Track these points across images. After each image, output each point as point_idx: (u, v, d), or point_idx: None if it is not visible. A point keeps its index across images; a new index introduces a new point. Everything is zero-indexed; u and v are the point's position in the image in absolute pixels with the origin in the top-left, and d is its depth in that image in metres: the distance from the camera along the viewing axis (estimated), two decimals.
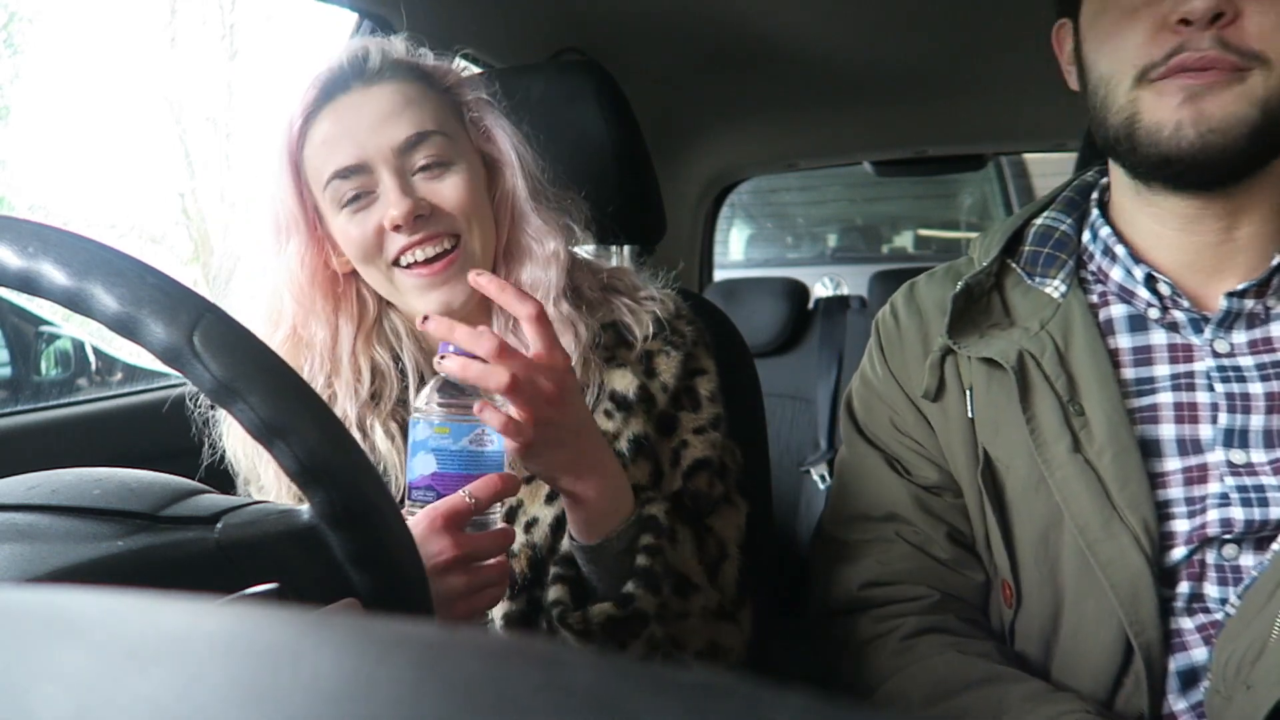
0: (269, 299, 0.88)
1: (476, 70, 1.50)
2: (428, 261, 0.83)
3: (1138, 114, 0.78)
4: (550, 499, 0.86)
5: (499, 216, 0.90)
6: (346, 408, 0.87)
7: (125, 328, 0.46)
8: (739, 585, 0.89)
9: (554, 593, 0.79)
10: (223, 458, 0.92)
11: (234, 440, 0.90)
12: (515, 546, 0.85)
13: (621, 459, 0.84)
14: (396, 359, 0.90)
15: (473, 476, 0.72)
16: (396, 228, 0.82)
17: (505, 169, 0.90)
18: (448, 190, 0.84)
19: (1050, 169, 4.38)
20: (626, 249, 1.79)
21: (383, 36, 0.90)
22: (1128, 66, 0.78)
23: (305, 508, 0.52)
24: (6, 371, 2.06)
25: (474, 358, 0.69)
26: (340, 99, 0.84)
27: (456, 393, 0.73)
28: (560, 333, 0.85)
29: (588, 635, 0.77)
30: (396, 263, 0.84)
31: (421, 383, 0.89)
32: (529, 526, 0.86)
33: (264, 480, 0.89)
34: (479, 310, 0.89)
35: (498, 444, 0.73)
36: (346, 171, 0.83)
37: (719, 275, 2.90)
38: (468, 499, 0.70)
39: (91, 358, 2.23)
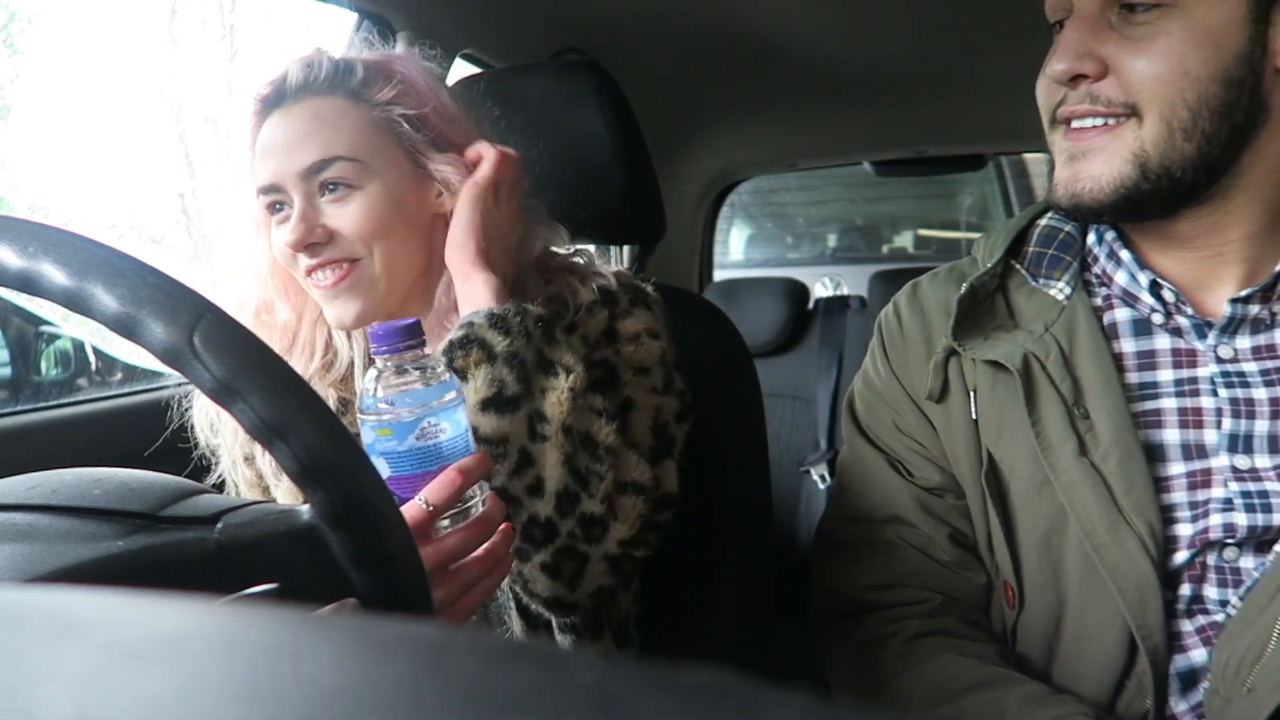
0: (236, 283, 0.94)
1: (476, 70, 1.50)
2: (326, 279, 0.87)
3: (1053, 156, 0.84)
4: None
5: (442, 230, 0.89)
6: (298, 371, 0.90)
7: (125, 328, 0.46)
8: (638, 529, 0.84)
9: None
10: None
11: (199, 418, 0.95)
12: None
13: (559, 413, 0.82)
14: (352, 338, 0.95)
15: (432, 473, 0.68)
16: (297, 250, 0.85)
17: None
18: (348, 216, 0.85)
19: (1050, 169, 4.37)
20: (626, 249, 1.79)
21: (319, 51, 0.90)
22: (1045, 111, 0.84)
23: (305, 508, 0.52)
24: (6, 371, 2.06)
25: (404, 345, 0.69)
26: (274, 114, 0.86)
27: (392, 388, 0.69)
28: None
29: None
30: (308, 277, 0.87)
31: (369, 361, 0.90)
32: None
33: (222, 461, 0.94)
34: (418, 300, 0.91)
35: (451, 430, 0.69)
36: (264, 190, 0.86)
37: (719, 275, 2.90)
38: (424, 505, 0.66)
39: (91, 358, 2.23)
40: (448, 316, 0.89)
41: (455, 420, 0.70)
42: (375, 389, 0.69)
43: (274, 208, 0.87)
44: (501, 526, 0.73)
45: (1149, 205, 0.79)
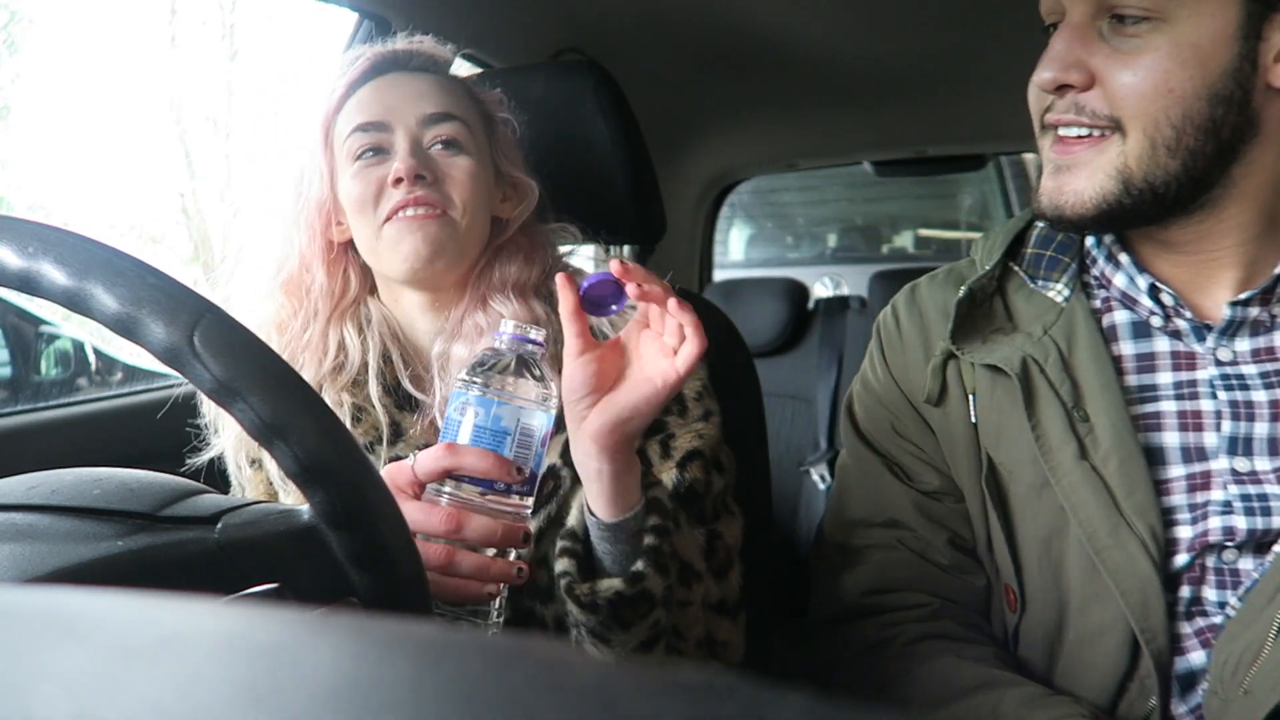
0: (281, 244, 0.94)
1: (476, 70, 1.50)
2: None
3: (1041, 161, 0.84)
4: (531, 514, 0.87)
5: (495, 227, 0.94)
6: (308, 375, 0.90)
7: (125, 328, 0.46)
8: (740, 589, 0.91)
9: (561, 564, 0.80)
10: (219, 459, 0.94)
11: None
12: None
13: None
14: (364, 341, 0.94)
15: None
16: (398, 181, 0.86)
17: (515, 194, 0.96)
18: (455, 169, 0.89)
19: None
20: (626, 249, 1.79)
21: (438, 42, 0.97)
22: (1034, 116, 0.84)
23: (305, 508, 0.52)
24: (6, 371, 2.06)
25: (595, 304, 0.73)
26: (381, 79, 0.92)
27: (526, 372, 0.73)
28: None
29: (594, 609, 0.77)
30: (388, 219, 0.87)
31: (385, 363, 0.92)
32: None
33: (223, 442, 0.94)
34: (455, 289, 0.93)
35: (535, 433, 0.74)
36: (369, 125, 0.89)
37: (719, 275, 2.90)
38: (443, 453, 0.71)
39: (91, 358, 2.23)
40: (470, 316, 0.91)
41: (538, 428, 0.74)
42: (513, 368, 0.73)
43: (365, 153, 0.88)
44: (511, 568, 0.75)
45: (1131, 218, 0.79)
